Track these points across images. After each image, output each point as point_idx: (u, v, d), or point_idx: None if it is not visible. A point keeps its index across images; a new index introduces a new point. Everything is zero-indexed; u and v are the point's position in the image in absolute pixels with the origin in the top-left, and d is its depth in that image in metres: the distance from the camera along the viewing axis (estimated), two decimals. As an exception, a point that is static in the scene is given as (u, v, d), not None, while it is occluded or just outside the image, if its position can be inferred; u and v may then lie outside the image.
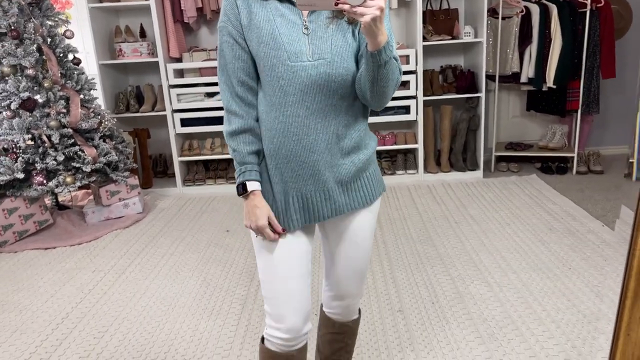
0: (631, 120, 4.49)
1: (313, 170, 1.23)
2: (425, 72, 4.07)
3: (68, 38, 3.37)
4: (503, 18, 4.03)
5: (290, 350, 1.30)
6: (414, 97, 3.99)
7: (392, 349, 1.96)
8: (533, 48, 3.95)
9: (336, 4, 1.00)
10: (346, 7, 1.00)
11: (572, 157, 4.11)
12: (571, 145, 4.23)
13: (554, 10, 3.83)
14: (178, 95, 3.95)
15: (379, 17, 1.00)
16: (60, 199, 3.76)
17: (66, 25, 3.39)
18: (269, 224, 1.25)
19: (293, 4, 1.18)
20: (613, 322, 2.03)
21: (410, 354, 1.92)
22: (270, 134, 1.23)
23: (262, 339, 1.35)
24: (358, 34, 1.21)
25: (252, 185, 1.24)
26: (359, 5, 0.99)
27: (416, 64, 3.90)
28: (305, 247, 1.31)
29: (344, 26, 1.19)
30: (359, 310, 1.55)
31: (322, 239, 1.42)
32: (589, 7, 3.76)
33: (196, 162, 4.30)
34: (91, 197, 3.83)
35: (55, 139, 3.13)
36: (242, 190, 1.25)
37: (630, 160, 3.73)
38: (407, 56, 3.91)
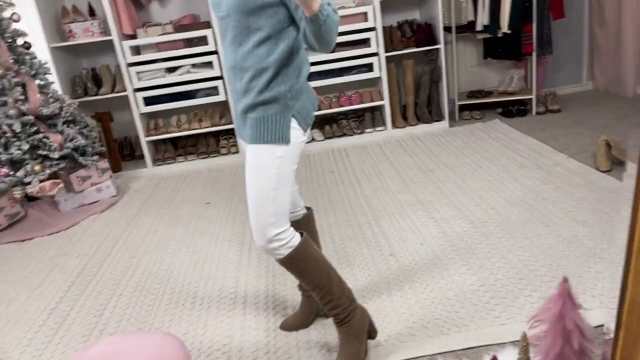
0: (581, 59, 4.69)
1: (234, 99, 1.53)
2: (384, 28, 4.10)
3: (15, 22, 3.21)
4: (455, -32, 4.08)
5: (299, 230, 1.60)
6: (376, 54, 4.02)
7: (390, 289, 2.04)
8: (486, -5, 4.03)
9: None
10: None
11: (531, 99, 4.27)
12: (528, 88, 4.39)
13: (503, -45, 3.91)
14: (138, 73, 3.84)
15: None
16: (28, 190, 3.63)
17: (11, 8, 3.21)
18: None
19: None
20: (591, 241, 2.18)
21: (408, 291, 2.01)
22: None
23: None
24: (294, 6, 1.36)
25: None
26: None
27: (374, 21, 3.92)
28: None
29: None
30: (287, 252, 1.55)
31: None
32: (535, -50, 3.85)
33: (164, 140, 4.22)
34: (60, 186, 3.72)
35: (17, 127, 3.01)
36: None
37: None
38: (365, 13, 3.93)
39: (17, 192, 3.02)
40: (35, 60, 3.27)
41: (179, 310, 2.10)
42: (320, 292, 1.59)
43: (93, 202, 3.43)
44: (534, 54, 4.13)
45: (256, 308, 2.04)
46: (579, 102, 4.41)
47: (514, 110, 4.32)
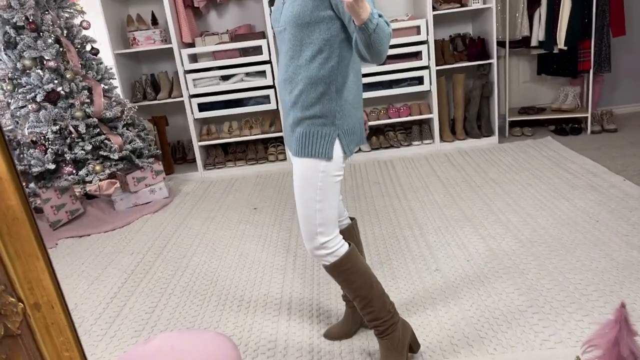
0: (642, 78, 4.52)
1: (284, 111, 1.59)
2: (435, 41, 4.10)
3: (85, 29, 3.41)
4: (511, -17, 4.04)
5: (348, 242, 1.64)
6: (427, 67, 4.02)
7: (436, 304, 2.03)
8: (542, 10, 3.97)
9: None
10: None
11: (586, 118, 4.15)
12: (584, 106, 4.27)
13: (562, -29, 3.84)
14: (194, 80, 3.99)
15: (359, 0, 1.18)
16: (87, 189, 3.84)
17: (82, 16, 3.42)
18: None
19: None
20: (647, 265, 2.11)
21: (454, 308, 2.00)
22: None
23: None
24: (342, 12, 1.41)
25: None
26: None
27: (427, 34, 3.92)
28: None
29: None
30: (334, 259, 1.59)
31: None
32: (597, -35, 3.77)
33: (214, 146, 4.36)
34: (116, 185, 3.90)
35: (82, 129, 3.18)
36: None
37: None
38: (418, 27, 3.94)
39: (78, 190, 3.20)
40: (101, 66, 3.46)
41: (226, 312, 2.17)
42: (361, 302, 1.61)
43: (146, 203, 3.58)
44: (591, 72, 4.02)
45: (301, 315, 2.08)
46: (638, 122, 4.25)
47: (567, 128, 4.21)
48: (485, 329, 1.84)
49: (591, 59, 3.98)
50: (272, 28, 1.58)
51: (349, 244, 1.61)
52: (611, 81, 4.50)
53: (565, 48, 3.96)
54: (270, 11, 3.84)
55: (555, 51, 4.05)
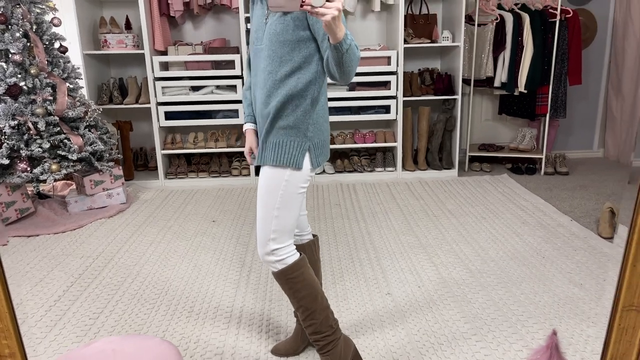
0: (594, 126, 4.78)
1: (259, 126, 1.64)
2: (405, 73, 4.23)
3: (55, 26, 3.35)
4: (479, 25, 4.23)
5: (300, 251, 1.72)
6: (394, 97, 4.14)
7: (384, 327, 2.06)
8: (506, 54, 4.17)
9: (301, 6, 1.20)
10: (309, 8, 1.20)
11: (540, 159, 4.34)
12: (539, 148, 4.47)
13: (526, 19, 4.06)
14: (163, 88, 3.97)
15: (338, 17, 1.23)
16: (41, 188, 3.72)
17: (53, 12, 3.37)
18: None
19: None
20: (585, 305, 2.21)
21: (401, 331, 2.03)
22: None
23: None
24: (307, 21, 1.47)
25: (245, 126, 1.74)
26: (320, 7, 1.19)
27: (397, 65, 4.05)
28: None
29: (278, 15, 1.49)
30: (280, 267, 1.63)
31: None
32: (558, 17, 4.00)
33: (178, 155, 4.32)
34: (72, 187, 3.80)
35: (41, 126, 3.11)
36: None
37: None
38: (389, 57, 4.06)
39: (31, 188, 3.10)
40: (68, 64, 3.40)
41: (174, 322, 2.13)
42: (304, 313, 1.65)
43: (102, 207, 3.50)
44: (548, 116, 4.23)
45: (250, 329, 2.07)
46: (588, 167, 4.48)
47: (523, 167, 4.39)
48: (429, 354, 1.88)
49: (548, 104, 4.19)
50: (250, 44, 1.61)
51: (300, 254, 1.64)
52: (566, 126, 4.74)
53: (525, 91, 4.16)
54: (247, 28, 3.88)
55: (516, 93, 4.25)
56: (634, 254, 0.72)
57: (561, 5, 4.02)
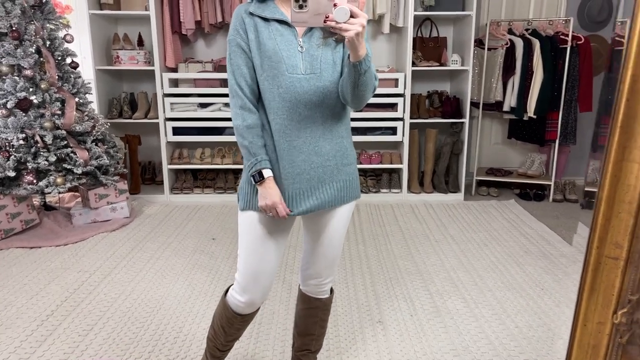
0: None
1: (300, 169, 1.42)
2: (412, 95, 4.22)
3: (67, 42, 3.43)
4: (489, 49, 4.21)
5: (245, 314, 1.60)
6: (401, 119, 4.12)
7: (370, 357, 2.03)
8: (516, 79, 4.13)
9: (325, 22, 1.17)
10: (333, 23, 1.17)
11: (549, 185, 4.27)
12: (549, 174, 4.40)
13: (536, 44, 4.03)
14: (172, 104, 4.03)
15: (361, 33, 1.19)
16: (47, 199, 3.78)
17: (66, 29, 3.46)
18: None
19: (290, 26, 1.39)
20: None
21: (388, 363, 2.00)
22: (266, 136, 1.45)
23: (226, 291, 1.61)
24: (343, 47, 1.41)
25: (267, 173, 1.43)
26: (344, 23, 1.16)
27: (404, 88, 4.05)
28: (283, 234, 1.54)
29: (332, 45, 1.40)
30: (332, 289, 1.74)
31: (303, 226, 1.62)
32: (569, 43, 3.97)
33: (185, 170, 4.36)
34: (78, 199, 3.86)
35: (49, 139, 3.17)
36: (259, 177, 1.42)
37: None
38: (397, 79, 4.06)
39: (37, 200, 3.15)
40: (78, 79, 3.47)
41: (161, 343, 2.13)
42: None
43: (105, 220, 3.54)
44: (557, 142, 4.17)
45: (236, 354, 2.06)
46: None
47: (531, 193, 4.32)
48: (414, 388, 1.84)
49: (558, 130, 4.13)
50: (266, 72, 1.39)
51: (226, 292, 1.63)
52: (577, 153, 4.66)
53: (535, 117, 4.12)
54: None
55: (525, 118, 4.20)
56: (584, 313, 0.70)
57: (573, 32, 3.98)
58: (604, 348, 0.70)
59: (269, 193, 1.42)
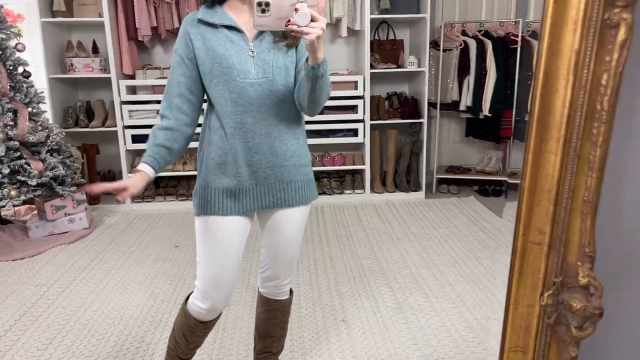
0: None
1: (256, 167, 1.44)
2: (372, 97, 4.29)
3: (19, 51, 3.35)
4: (444, 50, 4.32)
5: (206, 320, 1.58)
6: (362, 120, 4.18)
7: (333, 357, 2.06)
8: (471, 79, 4.26)
9: (286, 25, 1.20)
10: (295, 27, 1.20)
11: (506, 181, 4.41)
12: (505, 170, 4.54)
13: (489, 45, 4.17)
14: (130, 111, 3.97)
15: (321, 36, 1.22)
16: (2, 213, 3.66)
17: (18, 38, 3.37)
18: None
19: (240, 31, 1.41)
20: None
21: (352, 360, 2.03)
22: (221, 138, 1.44)
23: (187, 299, 1.60)
24: (295, 53, 1.44)
25: (140, 166, 1.43)
26: (305, 26, 1.20)
27: (364, 90, 4.11)
28: (241, 237, 1.53)
29: (283, 50, 1.42)
30: (291, 290, 1.76)
31: (261, 227, 1.62)
32: (519, 44, 4.11)
33: (146, 178, 4.29)
34: (35, 212, 3.75)
35: (1, 151, 3.08)
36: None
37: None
38: (356, 82, 4.12)
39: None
40: (31, 89, 3.39)
41: (122, 354, 2.10)
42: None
43: (63, 232, 3.45)
44: (511, 139, 4.31)
45: (199, 359, 2.05)
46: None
47: (489, 189, 4.45)
48: (376, 383, 1.88)
49: (512, 127, 4.28)
50: (216, 77, 1.40)
51: (187, 300, 1.61)
52: (532, 149, 4.82)
53: (490, 115, 4.24)
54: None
55: (481, 117, 4.33)
56: (514, 297, 0.75)
57: (522, 33, 4.13)
58: (534, 329, 0.74)
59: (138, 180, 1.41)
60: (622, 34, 0.57)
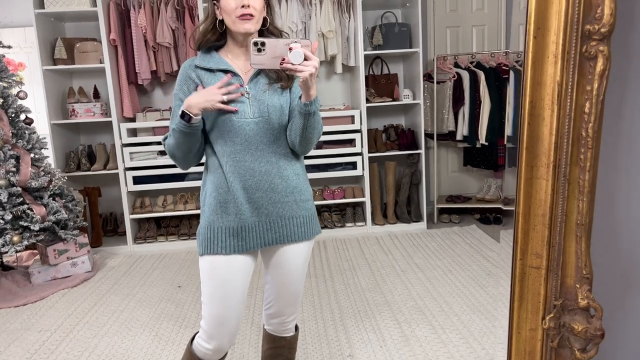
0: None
1: (257, 204, 1.46)
2: (369, 130, 4.35)
3: (21, 99, 3.42)
4: (438, 82, 4.41)
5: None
6: (360, 153, 4.23)
7: (342, 392, 2.03)
8: (466, 109, 4.33)
9: (281, 64, 1.27)
10: (289, 65, 1.27)
11: (501, 208, 4.42)
12: (504, 198, 4.56)
13: (481, 75, 4.26)
14: (131, 153, 4.02)
15: (314, 74, 1.28)
16: (4, 259, 3.66)
17: (19, 86, 3.45)
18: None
19: (235, 74, 1.47)
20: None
21: (360, 396, 2.00)
22: (220, 177, 1.47)
23: (192, 340, 1.57)
24: (289, 94, 1.49)
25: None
26: (299, 65, 1.26)
27: (361, 124, 4.17)
28: (245, 276, 1.53)
29: (278, 91, 1.47)
30: (296, 326, 1.75)
31: (264, 265, 1.62)
32: (512, 74, 4.20)
33: (147, 219, 4.31)
34: (37, 257, 3.75)
35: (4, 197, 3.11)
36: (187, 116, 1.40)
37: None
38: (352, 116, 4.19)
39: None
40: (33, 135, 3.44)
41: (128, 398, 2.07)
42: None
43: (66, 277, 3.44)
44: (505, 166, 4.36)
45: (205, 401, 2.01)
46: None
47: (491, 217, 4.46)
48: (386, 419, 1.85)
49: (505, 155, 4.32)
50: (234, 117, 1.44)
51: (193, 340, 1.60)
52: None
53: (487, 143, 4.30)
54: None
55: (478, 145, 4.38)
56: (516, 321, 0.76)
57: (513, 63, 4.23)
58: (539, 353, 0.75)
59: (197, 100, 1.39)
60: (600, 64, 0.61)
